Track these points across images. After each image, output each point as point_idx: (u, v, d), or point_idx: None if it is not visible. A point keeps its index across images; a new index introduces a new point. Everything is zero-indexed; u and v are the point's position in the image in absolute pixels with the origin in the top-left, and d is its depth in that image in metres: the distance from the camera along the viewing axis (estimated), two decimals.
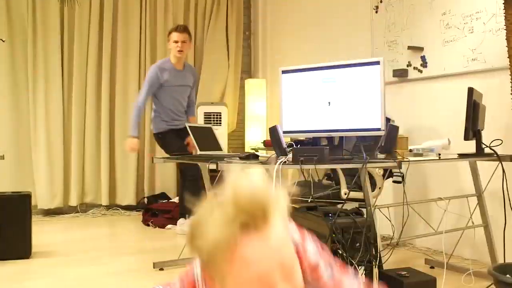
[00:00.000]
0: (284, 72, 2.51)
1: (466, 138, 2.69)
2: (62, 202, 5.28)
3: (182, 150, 4.04)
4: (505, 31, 2.82)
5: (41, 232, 4.44)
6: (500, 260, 2.95)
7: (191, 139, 3.26)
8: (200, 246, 0.87)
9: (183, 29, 4.32)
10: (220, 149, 3.09)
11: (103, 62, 5.44)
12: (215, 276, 0.88)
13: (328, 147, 2.24)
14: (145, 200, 5.62)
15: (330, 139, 2.43)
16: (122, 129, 5.57)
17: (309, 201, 3.04)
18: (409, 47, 3.80)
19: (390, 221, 3.34)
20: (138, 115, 4.23)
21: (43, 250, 3.70)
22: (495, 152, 2.71)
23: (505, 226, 2.78)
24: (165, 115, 4.34)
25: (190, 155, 3.18)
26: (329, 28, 4.85)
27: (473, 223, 3.07)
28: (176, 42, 4.24)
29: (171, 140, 4.28)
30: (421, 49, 3.76)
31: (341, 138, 2.42)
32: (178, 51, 4.24)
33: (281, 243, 0.87)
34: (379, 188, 3.10)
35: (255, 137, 5.72)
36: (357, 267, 2.12)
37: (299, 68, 2.47)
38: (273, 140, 2.34)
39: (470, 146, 3.36)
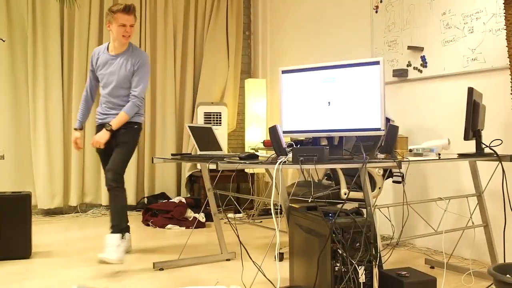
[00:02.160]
0: (284, 72, 2.51)
1: (466, 138, 2.69)
2: (62, 202, 5.29)
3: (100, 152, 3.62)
4: (505, 31, 2.82)
5: (41, 232, 4.44)
6: (500, 260, 2.96)
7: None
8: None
9: (132, 9, 3.50)
10: (220, 149, 3.09)
11: None
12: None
13: (328, 147, 2.24)
14: (145, 200, 5.63)
15: (330, 139, 2.43)
16: None
17: (309, 201, 3.04)
18: (409, 47, 3.81)
19: (390, 221, 3.34)
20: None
21: (43, 250, 3.70)
22: (495, 152, 2.71)
23: (505, 226, 2.78)
24: None
25: (189, 155, 3.17)
26: (329, 28, 4.85)
27: (473, 223, 3.07)
28: (124, 25, 3.45)
29: None
30: (421, 49, 3.77)
31: (341, 138, 2.42)
32: (123, 36, 3.47)
33: None
34: (379, 188, 3.10)
35: (255, 137, 5.72)
36: (357, 267, 2.12)
37: (299, 68, 2.47)
38: (273, 140, 2.34)
39: (470, 146, 3.37)
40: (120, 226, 3.29)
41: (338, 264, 2.11)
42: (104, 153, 3.58)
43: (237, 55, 6.19)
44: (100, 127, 3.58)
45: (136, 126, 3.55)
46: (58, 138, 5.25)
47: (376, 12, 4.20)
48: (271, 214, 5.29)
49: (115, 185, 3.33)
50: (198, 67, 6.01)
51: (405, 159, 2.38)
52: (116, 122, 3.45)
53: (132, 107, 3.48)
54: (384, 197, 4.08)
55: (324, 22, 4.95)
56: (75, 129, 3.68)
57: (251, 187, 5.89)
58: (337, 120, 2.36)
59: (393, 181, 3.28)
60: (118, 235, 3.20)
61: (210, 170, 3.84)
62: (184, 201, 4.96)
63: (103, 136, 3.42)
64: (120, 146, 3.46)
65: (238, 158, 2.31)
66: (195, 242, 4.04)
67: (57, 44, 5.24)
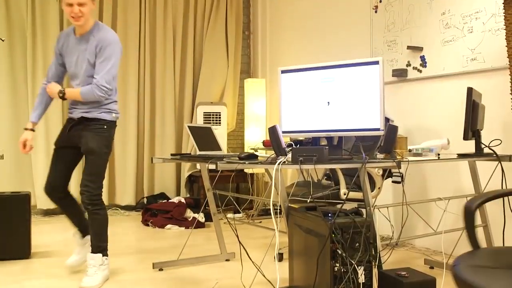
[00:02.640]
0: (283, 72, 2.51)
1: (466, 138, 2.69)
2: None
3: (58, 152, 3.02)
4: (505, 31, 2.82)
5: (40, 232, 4.43)
6: None
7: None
8: None
9: None
10: (220, 149, 3.08)
11: None
12: None
13: (327, 147, 2.23)
14: (145, 200, 5.62)
15: (329, 139, 2.43)
16: (121, 128, 5.58)
17: (308, 201, 3.04)
18: (409, 47, 3.81)
19: (389, 221, 3.34)
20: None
21: (43, 250, 3.70)
22: (494, 152, 2.71)
23: (504, 226, 2.78)
24: None
25: (189, 155, 3.16)
26: (329, 28, 4.85)
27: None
28: (70, 5, 2.80)
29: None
30: (420, 49, 3.77)
31: (340, 138, 2.42)
32: (73, 17, 2.82)
33: None
34: (379, 188, 3.10)
35: (254, 137, 5.72)
36: (356, 267, 2.12)
37: (298, 68, 2.46)
38: (272, 140, 2.34)
39: (469, 146, 3.37)
40: (101, 247, 2.91)
41: (338, 264, 2.11)
42: (57, 153, 3.01)
43: (236, 55, 6.19)
44: (70, 120, 3.01)
45: (105, 127, 2.93)
46: None
47: (376, 12, 4.20)
48: (270, 214, 5.29)
49: (92, 209, 2.87)
50: (198, 66, 6.01)
51: (404, 159, 2.38)
52: (70, 93, 2.89)
53: (88, 92, 2.84)
54: (384, 197, 4.08)
55: (323, 22, 4.95)
56: (26, 128, 2.99)
57: (251, 187, 5.89)
58: (337, 120, 2.36)
59: (393, 181, 3.28)
60: (99, 255, 2.88)
61: (210, 170, 3.84)
62: (184, 201, 4.96)
63: (54, 91, 2.91)
64: (89, 157, 2.88)
65: (237, 158, 2.31)
66: (195, 242, 4.04)
67: None
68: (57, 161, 3.00)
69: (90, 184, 2.86)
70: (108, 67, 2.83)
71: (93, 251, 2.90)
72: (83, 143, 2.90)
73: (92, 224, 2.90)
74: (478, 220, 3.02)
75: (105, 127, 2.93)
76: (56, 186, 2.98)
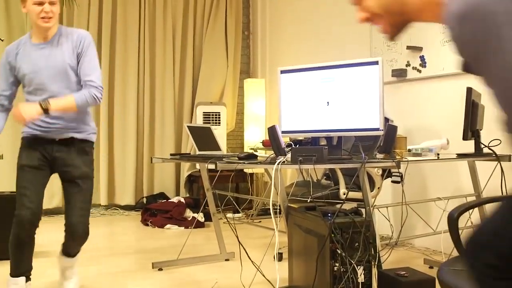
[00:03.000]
0: (283, 72, 2.51)
1: (465, 138, 2.69)
2: (61, 202, 5.28)
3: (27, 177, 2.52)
4: None
5: (40, 232, 4.41)
6: None
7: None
8: None
9: None
10: (219, 149, 3.08)
11: (101, 62, 5.45)
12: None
13: (327, 147, 2.24)
14: (144, 200, 5.62)
15: (329, 139, 2.43)
16: (121, 129, 5.57)
17: (308, 201, 3.04)
18: (408, 47, 3.81)
19: (389, 221, 3.34)
20: None
21: (42, 250, 3.70)
22: (494, 152, 2.71)
23: None
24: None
25: (188, 155, 3.15)
26: (328, 28, 4.85)
27: (471, 223, 3.07)
28: (41, 4, 2.36)
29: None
30: (420, 49, 3.77)
31: (339, 138, 2.42)
32: (42, 18, 2.37)
33: None
34: (378, 188, 3.10)
35: (254, 137, 5.72)
36: (356, 267, 2.12)
37: (297, 68, 2.46)
38: (272, 140, 2.34)
39: (469, 146, 3.37)
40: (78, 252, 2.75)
41: (337, 264, 2.11)
42: (34, 173, 2.51)
43: (236, 55, 6.19)
44: (35, 140, 2.58)
45: (92, 150, 2.59)
46: None
47: None
48: (270, 214, 5.29)
49: (84, 237, 2.63)
50: (197, 66, 6.01)
51: (404, 159, 2.38)
52: (59, 104, 2.34)
53: (87, 98, 2.38)
54: (383, 197, 4.08)
55: (323, 22, 4.95)
56: None
57: (250, 187, 5.89)
58: (336, 120, 2.36)
59: (392, 181, 3.28)
60: (76, 258, 2.74)
61: (209, 170, 3.83)
62: (183, 201, 4.96)
63: (33, 111, 2.37)
64: (82, 183, 2.53)
65: (237, 158, 2.31)
66: (194, 242, 4.04)
67: None
68: (35, 183, 2.51)
69: (85, 213, 2.57)
70: (97, 65, 2.48)
71: (70, 256, 2.75)
72: (71, 166, 2.50)
73: (79, 244, 2.69)
74: (477, 220, 3.03)
75: (92, 150, 2.60)
76: (38, 213, 2.54)
